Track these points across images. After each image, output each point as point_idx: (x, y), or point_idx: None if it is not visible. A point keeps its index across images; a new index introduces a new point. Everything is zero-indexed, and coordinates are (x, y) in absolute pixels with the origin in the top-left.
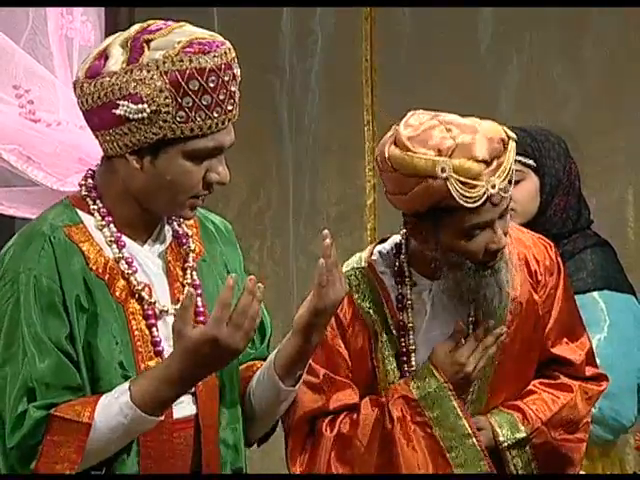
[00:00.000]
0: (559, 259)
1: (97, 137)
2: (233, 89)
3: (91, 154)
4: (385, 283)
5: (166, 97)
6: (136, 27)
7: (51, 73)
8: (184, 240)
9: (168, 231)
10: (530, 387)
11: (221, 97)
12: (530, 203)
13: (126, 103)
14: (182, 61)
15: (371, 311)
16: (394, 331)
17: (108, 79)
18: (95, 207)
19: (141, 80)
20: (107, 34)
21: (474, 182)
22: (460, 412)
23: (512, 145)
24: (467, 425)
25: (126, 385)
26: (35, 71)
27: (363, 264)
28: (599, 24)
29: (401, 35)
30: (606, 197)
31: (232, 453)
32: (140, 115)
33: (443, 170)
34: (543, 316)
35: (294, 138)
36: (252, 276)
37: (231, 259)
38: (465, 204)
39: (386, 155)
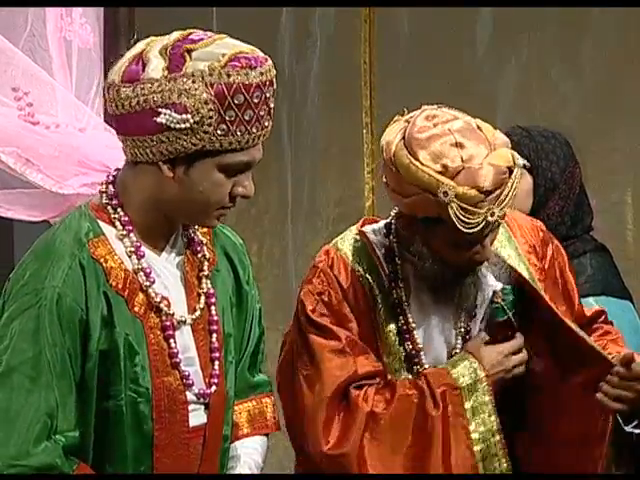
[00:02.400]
0: (547, 230)
1: (125, 142)
2: (272, 106)
3: (90, 156)
4: (380, 256)
5: (210, 109)
6: (175, 35)
7: (50, 76)
8: (198, 248)
9: (183, 239)
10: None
11: (261, 113)
12: (522, 203)
13: (169, 112)
14: (229, 75)
15: (370, 278)
16: (390, 303)
17: (149, 85)
18: (116, 216)
19: (186, 90)
20: (106, 37)
21: (474, 209)
22: (492, 408)
23: (517, 172)
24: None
25: None
26: (34, 73)
27: (357, 235)
28: (599, 24)
29: (400, 37)
30: (605, 199)
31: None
32: (182, 125)
33: (445, 194)
34: (563, 287)
35: (293, 140)
36: None
37: (241, 273)
38: (462, 229)
39: (392, 150)
